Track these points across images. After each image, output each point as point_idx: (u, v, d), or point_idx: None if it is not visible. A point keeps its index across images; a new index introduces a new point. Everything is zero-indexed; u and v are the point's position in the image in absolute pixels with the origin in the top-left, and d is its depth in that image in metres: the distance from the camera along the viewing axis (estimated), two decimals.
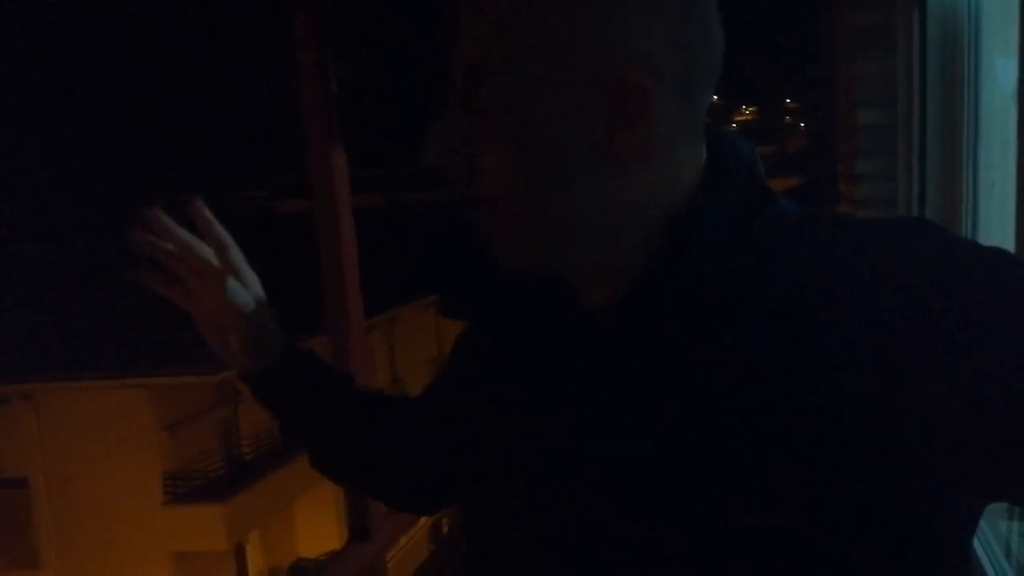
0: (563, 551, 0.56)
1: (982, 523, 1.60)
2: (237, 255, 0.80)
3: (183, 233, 0.79)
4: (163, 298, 0.81)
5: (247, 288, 0.81)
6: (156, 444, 12.37)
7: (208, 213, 0.78)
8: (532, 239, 0.56)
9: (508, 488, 0.61)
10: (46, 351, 12.50)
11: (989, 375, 0.44)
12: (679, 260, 0.53)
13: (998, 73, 1.64)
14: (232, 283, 0.79)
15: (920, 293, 0.47)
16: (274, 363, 0.82)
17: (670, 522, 0.51)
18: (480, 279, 0.67)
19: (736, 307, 0.51)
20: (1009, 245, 1.27)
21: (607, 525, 0.54)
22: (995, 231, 1.68)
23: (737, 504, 0.49)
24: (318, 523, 14.54)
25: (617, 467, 0.54)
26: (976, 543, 1.59)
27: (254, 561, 13.93)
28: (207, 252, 0.79)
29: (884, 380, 0.46)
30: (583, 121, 0.53)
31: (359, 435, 0.85)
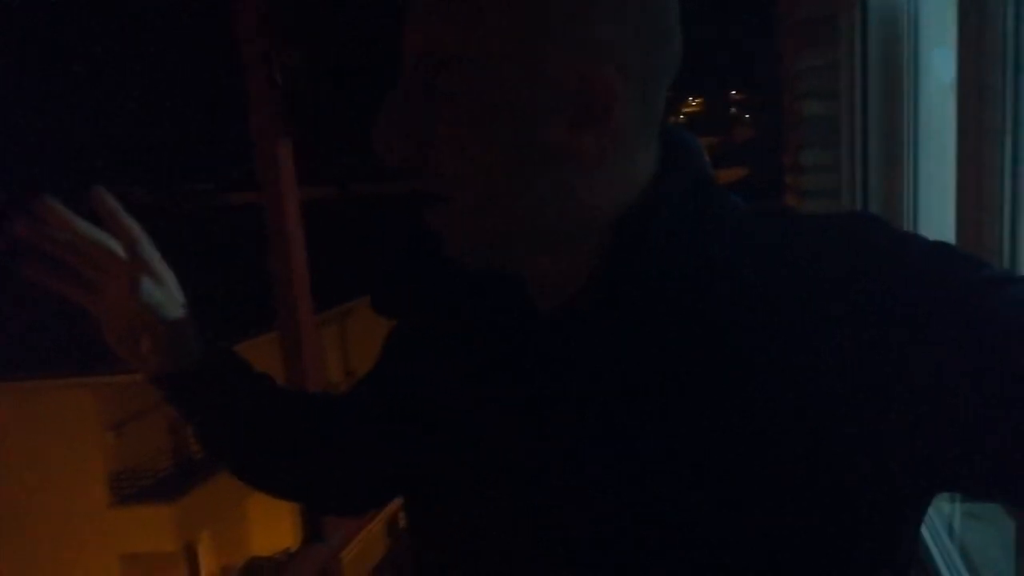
0: (503, 550, 0.56)
1: None
2: (149, 248, 0.72)
3: (82, 223, 0.70)
4: (59, 296, 0.71)
5: (161, 285, 0.72)
6: (101, 444, 12.06)
7: (112, 202, 0.69)
8: (485, 237, 0.54)
9: (450, 488, 0.60)
10: None
11: (943, 367, 0.45)
12: (632, 260, 0.53)
13: (936, 64, 1.68)
14: (145, 280, 0.70)
15: (874, 287, 0.47)
16: (190, 366, 0.74)
17: (616, 521, 0.51)
18: (422, 276, 0.64)
19: (689, 305, 0.51)
20: (949, 234, 1.30)
21: (550, 525, 0.54)
22: (935, 221, 1.73)
23: (700, 500, 0.49)
24: (272, 520, 14.35)
25: (566, 467, 0.53)
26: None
27: (206, 561, 13.69)
28: (112, 245, 0.71)
29: (840, 374, 0.46)
30: (545, 118, 0.51)
31: (284, 439, 0.79)
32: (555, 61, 0.50)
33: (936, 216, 1.71)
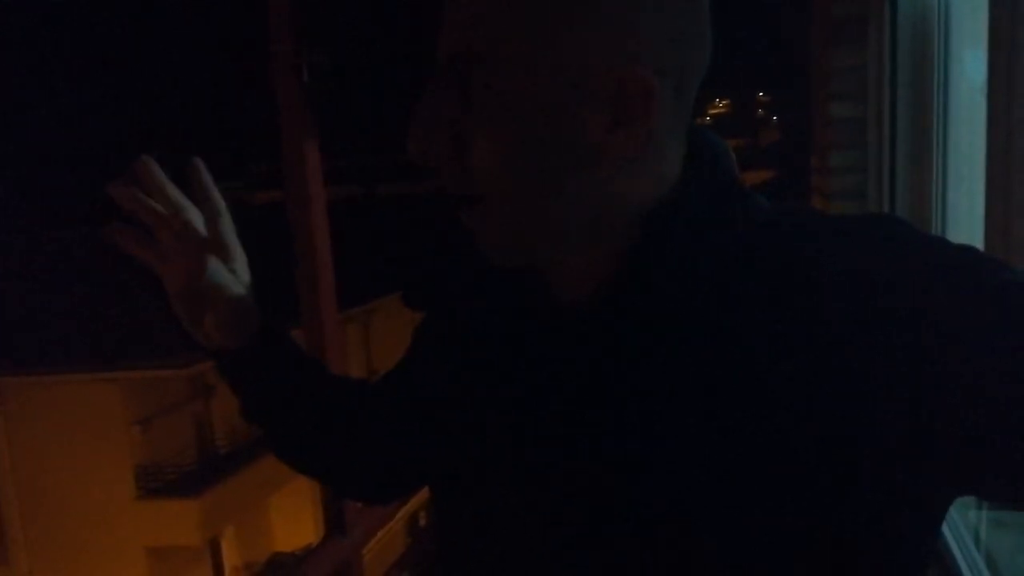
0: (526, 544, 0.56)
1: (952, 512, 1.63)
2: (228, 226, 0.72)
3: (175, 192, 0.70)
4: (133, 256, 0.72)
5: (233, 263, 0.73)
6: (128, 439, 12.24)
7: (207, 176, 0.70)
8: (520, 236, 0.54)
9: (472, 480, 0.60)
10: (13, 345, 12.29)
11: (967, 370, 0.44)
12: (656, 258, 0.53)
13: (967, 66, 1.66)
14: (212, 260, 0.71)
15: (899, 290, 0.47)
16: (247, 345, 0.76)
17: (639, 517, 0.51)
18: (451, 271, 0.65)
19: (711, 304, 0.52)
20: (978, 239, 1.28)
21: (567, 517, 0.54)
22: (963, 224, 1.70)
23: (714, 499, 0.49)
24: (294, 517, 14.47)
25: (586, 461, 0.54)
26: (947, 532, 1.61)
27: (229, 555, 13.83)
28: (196, 218, 0.71)
29: (865, 376, 0.46)
30: (583, 117, 0.51)
31: (325, 422, 0.81)
32: (594, 60, 0.50)
33: (964, 217, 1.69)
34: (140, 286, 12.11)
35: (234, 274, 0.74)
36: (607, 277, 0.55)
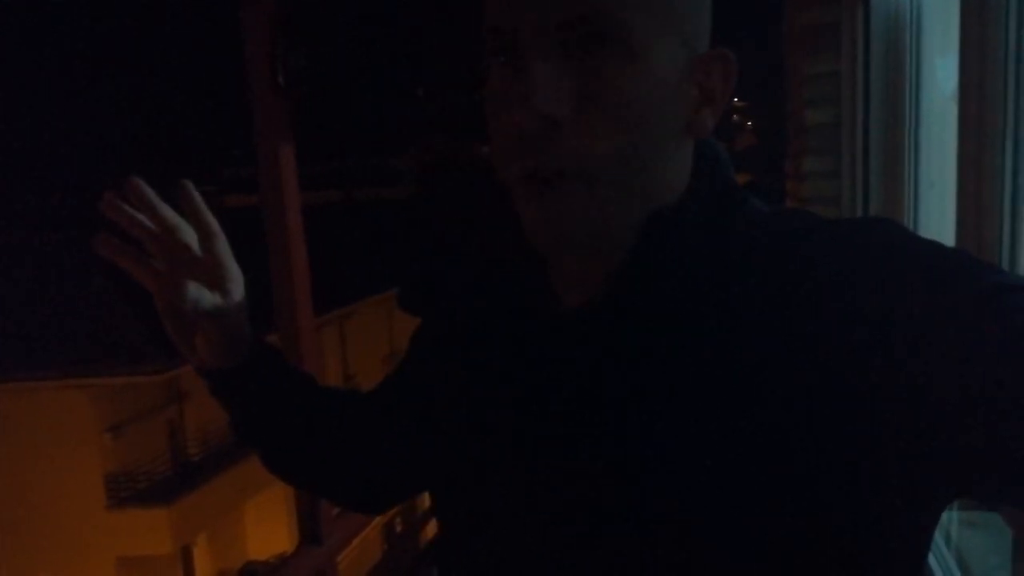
0: (527, 544, 0.56)
1: None
2: (224, 247, 0.71)
3: (168, 211, 0.69)
4: (127, 274, 0.70)
5: (228, 283, 0.71)
6: (99, 447, 12.04)
7: (197, 197, 0.68)
8: (607, 217, 0.52)
9: (476, 481, 0.60)
10: None
11: (959, 371, 0.45)
12: (656, 260, 0.53)
13: (939, 73, 1.69)
14: (205, 284, 0.70)
15: (894, 292, 0.47)
16: (239, 365, 0.75)
17: (648, 514, 0.51)
18: (448, 273, 0.65)
19: (712, 305, 0.52)
20: (950, 243, 1.30)
21: (573, 520, 0.54)
22: (935, 228, 1.73)
23: (714, 499, 0.49)
24: (268, 525, 14.32)
25: (589, 463, 0.54)
26: None
27: (201, 564, 13.65)
28: (190, 237, 0.70)
29: (859, 376, 0.47)
30: (684, 92, 0.53)
31: (318, 437, 0.81)
32: (694, 36, 0.53)
33: (936, 222, 1.71)
34: (122, 297, 11.94)
35: (228, 295, 0.72)
36: (608, 278, 0.55)
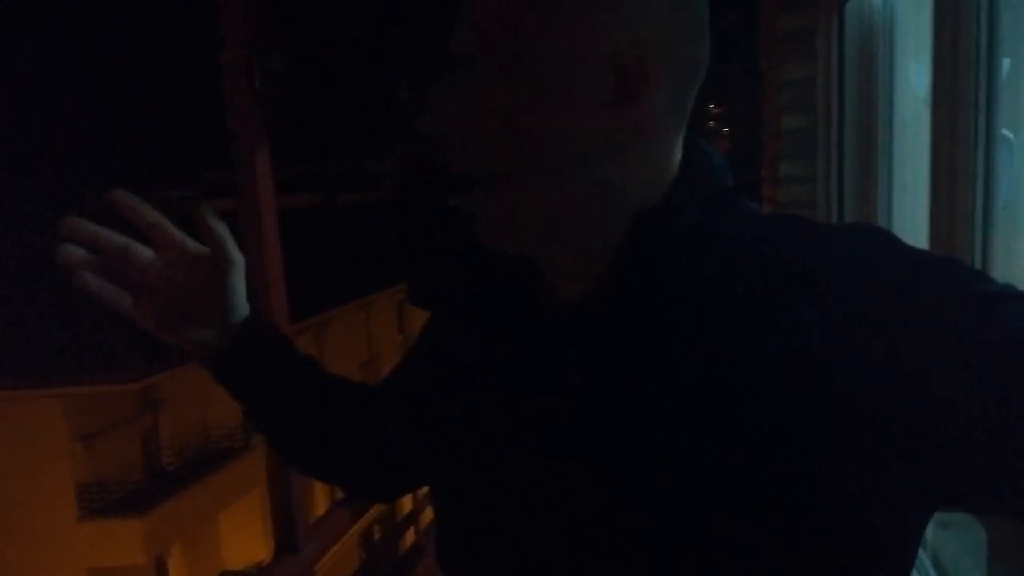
0: (527, 538, 0.56)
1: None
2: (234, 248, 0.74)
3: (115, 236, 0.72)
4: (105, 304, 0.73)
5: (229, 274, 0.74)
6: (69, 456, 11.85)
7: (219, 223, 0.72)
8: (522, 218, 0.55)
9: (469, 478, 0.60)
10: None
11: (947, 379, 0.45)
12: (649, 256, 0.54)
13: (912, 78, 1.71)
14: (234, 272, 0.74)
15: (880, 297, 0.48)
16: (240, 337, 0.76)
17: (636, 513, 0.51)
18: (453, 269, 0.66)
19: (701, 305, 0.52)
20: (923, 243, 1.31)
21: (561, 513, 0.54)
22: (908, 232, 1.75)
23: (704, 498, 0.49)
24: (244, 534, 14.17)
25: (583, 457, 0.54)
26: None
27: (177, 574, 13.47)
28: (144, 251, 0.73)
29: (844, 381, 0.47)
30: (593, 92, 0.52)
31: (328, 420, 0.82)
32: (606, 37, 0.52)
33: (909, 225, 1.73)
34: (96, 303, 11.77)
35: (227, 284, 0.74)
36: (601, 275, 0.55)
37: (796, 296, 0.50)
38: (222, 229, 0.72)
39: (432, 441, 0.65)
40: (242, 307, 0.76)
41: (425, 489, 0.72)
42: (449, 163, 0.55)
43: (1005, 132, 1.14)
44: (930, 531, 1.67)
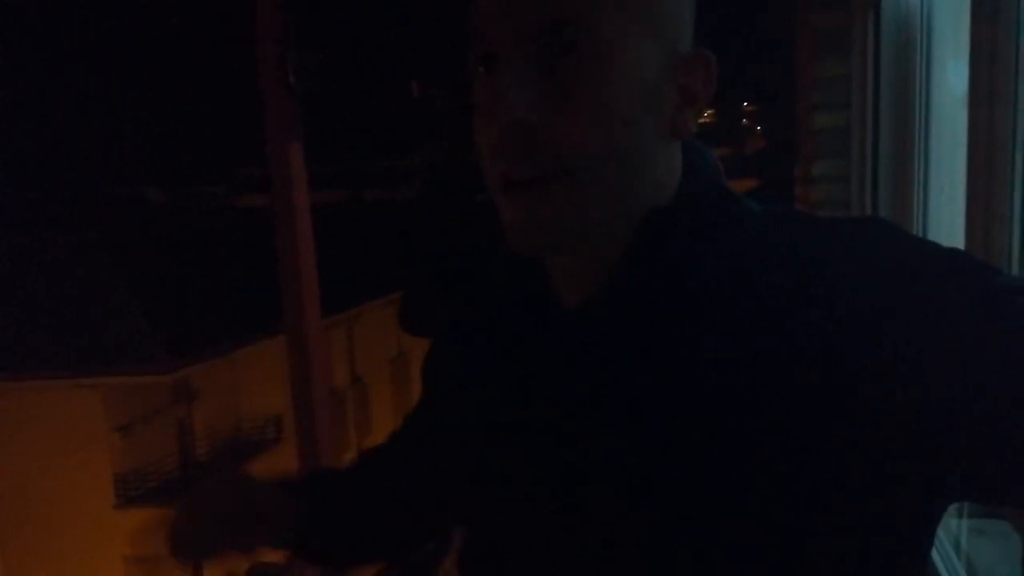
0: (550, 548, 0.56)
1: None
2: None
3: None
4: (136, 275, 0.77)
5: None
6: (108, 446, 12.10)
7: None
8: (594, 217, 0.53)
9: (492, 484, 0.61)
10: None
11: (957, 372, 0.45)
12: (654, 259, 0.54)
13: (949, 77, 1.68)
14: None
15: (886, 291, 0.47)
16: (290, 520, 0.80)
17: (648, 517, 0.51)
18: (453, 282, 0.65)
19: (710, 303, 0.52)
20: (959, 244, 1.29)
21: (587, 524, 0.54)
22: (944, 233, 1.72)
23: (712, 498, 0.49)
24: None
25: (592, 459, 0.54)
26: None
27: (210, 565, 13.68)
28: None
29: (859, 375, 0.46)
30: (663, 92, 0.53)
31: (369, 504, 0.83)
32: (672, 37, 0.53)
33: (946, 226, 1.70)
34: (132, 297, 12.02)
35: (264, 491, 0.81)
36: (606, 279, 0.55)
37: (802, 293, 0.49)
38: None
39: (461, 465, 0.64)
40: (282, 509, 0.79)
41: None
42: (528, 155, 0.52)
43: None
44: (964, 538, 1.65)
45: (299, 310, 2.04)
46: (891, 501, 0.48)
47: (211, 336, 12.63)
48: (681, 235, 0.54)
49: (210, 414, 13.21)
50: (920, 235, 1.82)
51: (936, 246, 0.51)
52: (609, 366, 0.54)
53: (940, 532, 1.62)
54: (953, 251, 0.50)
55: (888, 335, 0.46)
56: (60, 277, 12.82)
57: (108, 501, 12.21)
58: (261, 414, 14.04)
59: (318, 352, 2.09)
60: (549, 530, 0.56)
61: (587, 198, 0.52)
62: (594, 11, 0.51)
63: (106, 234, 13.87)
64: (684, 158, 0.57)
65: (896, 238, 0.51)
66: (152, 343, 12.01)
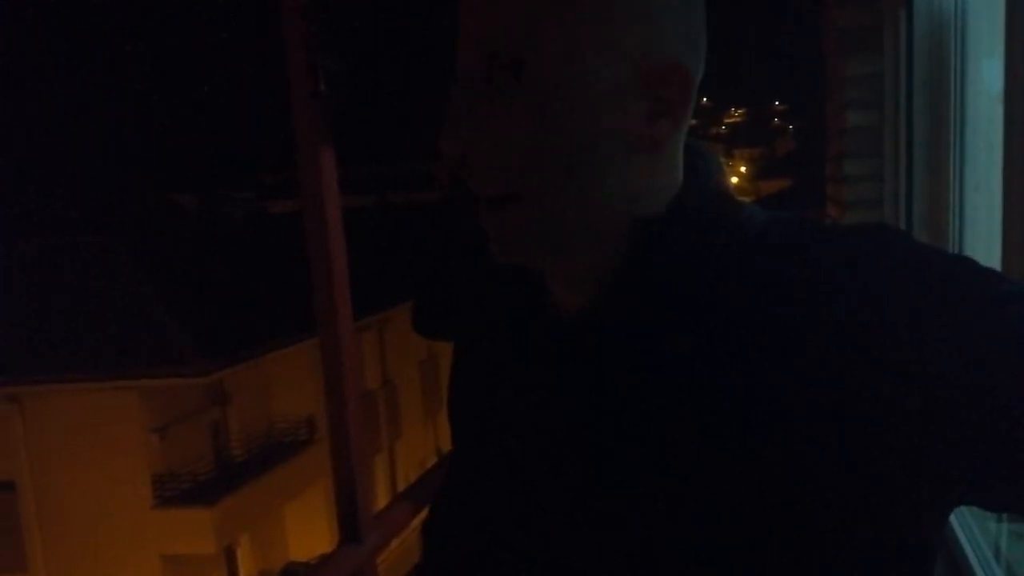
0: (553, 553, 0.56)
1: (971, 524, 1.61)
2: None
3: None
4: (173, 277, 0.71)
5: None
6: (145, 446, 12.32)
7: None
8: (550, 235, 0.54)
9: (501, 494, 0.60)
10: (32, 352, 12.42)
11: (951, 382, 0.44)
12: (652, 266, 0.53)
13: (984, 74, 1.65)
14: None
15: (884, 301, 0.47)
16: None
17: (649, 529, 0.51)
18: (460, 290, 0.65)
19: (711, 309, 0.52)
20: (996, 246, 1.27)
21: (591, 530, 0.54)
22: (981, 232, 1.69)
23: (711, 508, 0.49)
24: (308, 526, 14.49)
25: (592, 466, 0.54)
26: (966, 544, 1.59)
27: (244, 564, 13.87)
28: None
29: (865, 384, 0.46)
30: (624, 108, 0.52)
31: None
32: (633, 51, 0.51)
33: (983, 225, 1.68)
34: (168, 300, 12.22)
35: None
36: (604, 285, 0.55)
37: (806, 301, 0.49)
38: None
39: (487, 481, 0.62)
40: None
41: None
42: (470, 180, 0.54)
43: None
44: (1004, 543, 1.62)
45: (332, 313, 2.06)
46: (897, 505, 0.47)
47: (244, 339, 12.81)
48: (677, 241, 0.53)
49: (244, 415, 13.39)
50: (957, 235, 1.79)
51: (942, 253, 0.50)
52: (601, 376, 0.54)
53: (978, 535, 1.59)
54: (959, 258, 0.50)
55: (893, 343, 0.46)
56: (98, 282, 13.09)
57: (146, 501, 12.43)
58: (293, 415, 14.20)
59: (351, 354, 2.10)
60: (551, 534, 0.56)
61: (539, 218, 0.53)
62: (542, 32, 0.51)
63: (141, 239, 14.14)
64: (685, 161, 0.56)
65: (901, 245, 0.50)
66: (187, 346, 12.20)
